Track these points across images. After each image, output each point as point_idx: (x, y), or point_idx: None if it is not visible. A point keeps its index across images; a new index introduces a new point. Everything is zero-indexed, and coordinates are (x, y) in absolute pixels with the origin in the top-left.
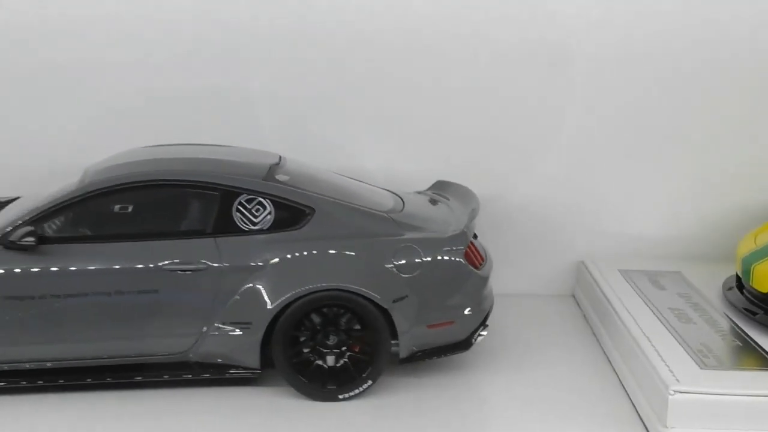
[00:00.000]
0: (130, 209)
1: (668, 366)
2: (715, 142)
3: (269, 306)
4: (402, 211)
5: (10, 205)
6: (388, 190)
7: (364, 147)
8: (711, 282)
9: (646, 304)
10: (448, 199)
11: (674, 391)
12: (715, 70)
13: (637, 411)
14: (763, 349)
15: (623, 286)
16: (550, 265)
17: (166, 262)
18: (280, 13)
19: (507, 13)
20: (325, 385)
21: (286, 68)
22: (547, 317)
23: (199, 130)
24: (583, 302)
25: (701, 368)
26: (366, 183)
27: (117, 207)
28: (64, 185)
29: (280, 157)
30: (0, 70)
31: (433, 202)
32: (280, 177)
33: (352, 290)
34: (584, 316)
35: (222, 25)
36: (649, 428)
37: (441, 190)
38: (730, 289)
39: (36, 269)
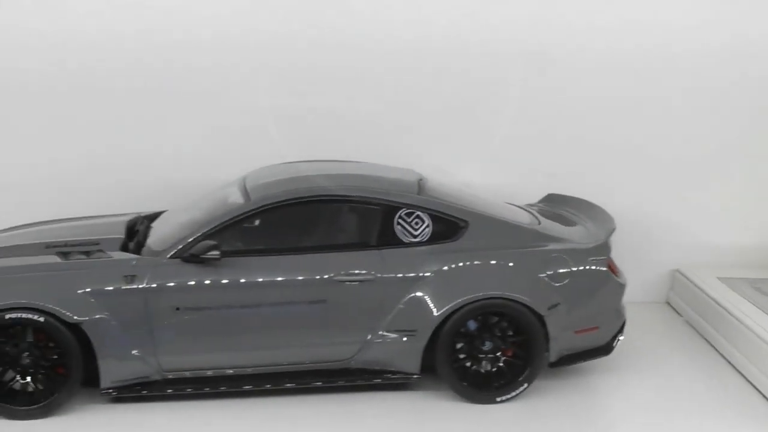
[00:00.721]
0: (298, 223)
1: None
2: None
3: (435, 313)
4: (540, 224)
5: (161, 220)
6: (514, 204)
7: (460, 164)
8: None
9: (757, 306)
10: (570, 210)
11: None
12: None
13: (760, 391)
14: None
15: (728, 291)
16: (642, 274)
17: (335, 273)
18: (383, 40)
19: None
20: (483, 388)
21: (389, 93)
22: (649, 323)
23: (310, 147)
24: (682, 308)
25: None
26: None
27: (286, 221)
28: (220, 199)
29: (420, 175)
30: (117, 93)
31: (556, 214)
32: (430, 192)
33: (514, 298)
34: (686, 321)
35: (328, 48)
36: None
37: (553, 202)
38: None
39: (213, 281)
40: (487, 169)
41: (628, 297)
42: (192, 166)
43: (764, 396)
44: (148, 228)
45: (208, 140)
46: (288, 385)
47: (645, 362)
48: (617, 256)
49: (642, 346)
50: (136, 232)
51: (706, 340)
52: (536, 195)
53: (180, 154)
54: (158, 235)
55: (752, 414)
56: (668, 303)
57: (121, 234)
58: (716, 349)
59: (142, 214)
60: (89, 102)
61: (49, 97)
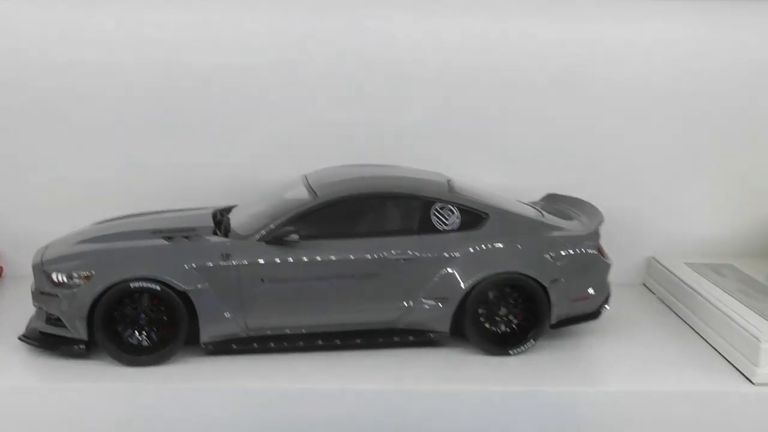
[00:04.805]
0: (355, 214)
1: (754, 326)
2: (758, 161)
3: (463, 285)
4: (544, 216)
5: (234, 212)
6: (522, 201)
7: (479, 170)
8: (759, 270)
9: (717, 286)
10: (566, 206)
11: (766, 341)
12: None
13: (727, 359)
14: None
15: (694, 274)
16: (623, 261)
17: (386, 253)
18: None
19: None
20: (499, 344)
21: (431, 107)
22: (628, 301)
23: (352, 157)
24: (656, 288)
25: None
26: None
27: (346, 212)
28: (288, 195)
29: (449, 177)
30: (179, 112)
31: (555, 209)
32: (458, 190)
33: (524, 273)
34: (659, 299)
35: (378, 65)
36: (742, 370)
37: (552, 200)
38: None
39: (291, 259)
40: (500, 171)
41: (611, 279)
42: (253, 168)
43: (719, 353)
44: (228, 219)
45: (266, 147)
46: (356, 341)
47: (625, 328)
48: (604, 243)
49: (622, 317)
50: (219, 221)
51: (675, 313)
52: (539, 194)
53: (243, 159)
54: (239, 223)
55: (709, 365)
56: (644, 285)
57: (210, 223)
58: (683, 320)
59: (218, 208)
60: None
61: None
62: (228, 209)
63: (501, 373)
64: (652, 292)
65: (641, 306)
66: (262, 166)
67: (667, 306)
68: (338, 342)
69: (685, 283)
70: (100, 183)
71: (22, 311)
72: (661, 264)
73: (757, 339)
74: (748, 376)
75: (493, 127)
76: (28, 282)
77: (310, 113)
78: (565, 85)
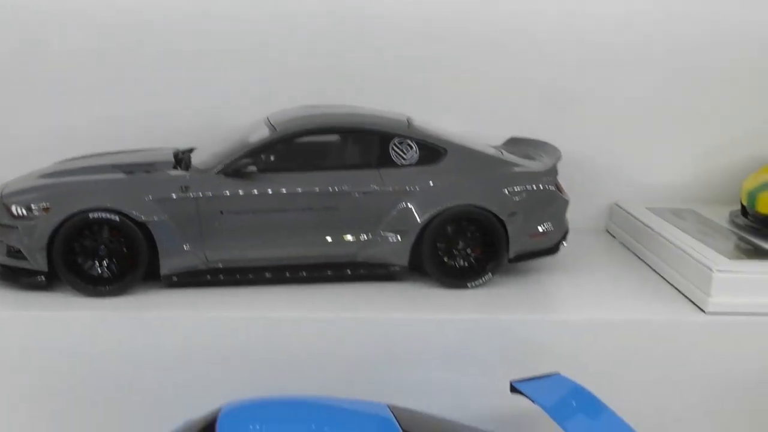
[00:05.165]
0: (314, 149)
1: (707, 258)
2: (719, 112)
3: (420, 218)
4: (503, 154)
5: (197, 152)
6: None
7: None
8: (720, 215)
9: (676, 227)
10: (527, 147)
11: (717, 270)
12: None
13: (681, 292)
14: None
15: (655, 217)
16: (586, 208)
17: (345, 186)
18: None
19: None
20: (458, 277)
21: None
22: (591, 244)
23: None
24: (618, 233)
25: (730, 259)
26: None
27: (305, 146)
28: (249, 132)
29: (409, 116)
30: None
31: (516, 148)
32: (417, 127)
33: (481, 206)
34: (621, 243)
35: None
36: (694, 300)
37: (513, 143)
38: (736, 216)
39: (249, 191)
40: (464, 119)
41: (575, 226)
42: (218, 115)
43: (674, 287)
44: (189, 157)
45: (232, 95)
46: (304, 274)
47: (583, 267)
48: (569, 190)
49: (582, 258)
50: (180, 160)
51: (635, 254)
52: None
53: (209, 105)
54: (200, 160)
55: (664, 297)
56: (607, 231)
57: (170, 159)
58: (641, 259)
59: (181, 149)
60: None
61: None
62: (190, 150)
63: (459, 304)
64: (614, 237)
65: (601, 248)
66: (228, 113)
67: (628, 248)
68: (299, 274)
69: (644, 224)
70: (67, 132)
71: None
72: (623, 209)
73: (710, 269)
74: (700, 306)
75: (460, 76)
76: None
77: (276, 61)
78: (533, 39)
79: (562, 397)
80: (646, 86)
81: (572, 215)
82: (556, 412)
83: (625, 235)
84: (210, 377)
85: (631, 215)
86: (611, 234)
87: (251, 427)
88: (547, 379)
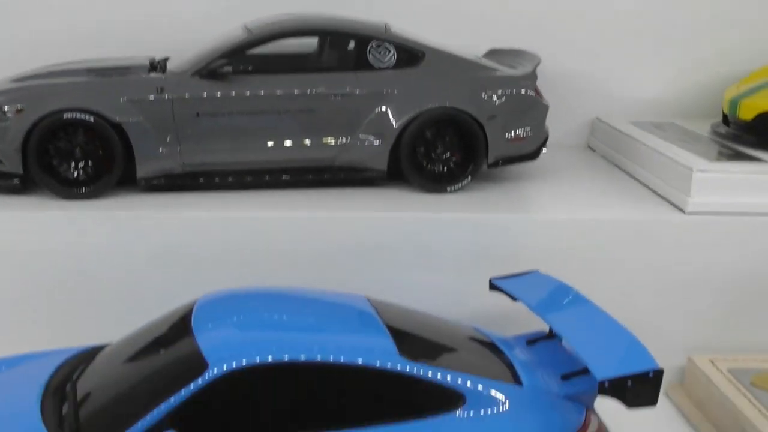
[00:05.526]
0: (293, 51)
1: (687, 160)
2: (703, 26)
3: (399, 121)
4: (482, 60)
5: (173, 58)
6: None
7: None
8: (701, 127)
9: (657, 136)
10: (506, 57)
11: (698, 170)
12: None
13: (662, 196)
14: (751, 155)
15: (636, 129)
16: (567, 123)
17: (322, 89)
18: None
19: None
20: (437, 181)
21: None
22: (572, 159)
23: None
24: (600, 147)
25: (711, 161)
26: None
27: (282, 49)
28: (226, 37)
29: (387, 23)
30: None
31: (496, 58)
32: (395, 32)
33: (458, 108)
34: (603, 156)
35: None
36: (674, 202)
37: (494, 54)
38: (718, 126)
39: (225, 93)
40: (445, 31)
41: (555, 142)
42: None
43: (652, 190)
44: (165, 62)
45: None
46: (285, 177)
47: (564, 176)
48: (551, 105)
49: (561, 169)
50: (155, 66)
51: (616, 165)
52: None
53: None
54: (176, 64)
55: (644, 200)
56: (588, 146)
57: (146, 64)
58: (622, 169)
59: (158, 58)
60: None
61: None
62: (166, 59)
63: (438, 206)
64: (595, 152)
65: (582, 161)
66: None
67: (609, 161)
68: (278, 178)
69: (625, 134)
70: (42, 42)
71: None
72: (604, 122)
73: (690, 169)
74: (680, 207)
75: None
76: None
77: None
78: None
79: (542, 292)
80: (628, 2)
81: (553, 131)
82: (537, 306)
83: (606, 149)
84: (186, 276)
85: (613, 128)
86: (592, 149)
87: (228, 313)
88: (527, 276)
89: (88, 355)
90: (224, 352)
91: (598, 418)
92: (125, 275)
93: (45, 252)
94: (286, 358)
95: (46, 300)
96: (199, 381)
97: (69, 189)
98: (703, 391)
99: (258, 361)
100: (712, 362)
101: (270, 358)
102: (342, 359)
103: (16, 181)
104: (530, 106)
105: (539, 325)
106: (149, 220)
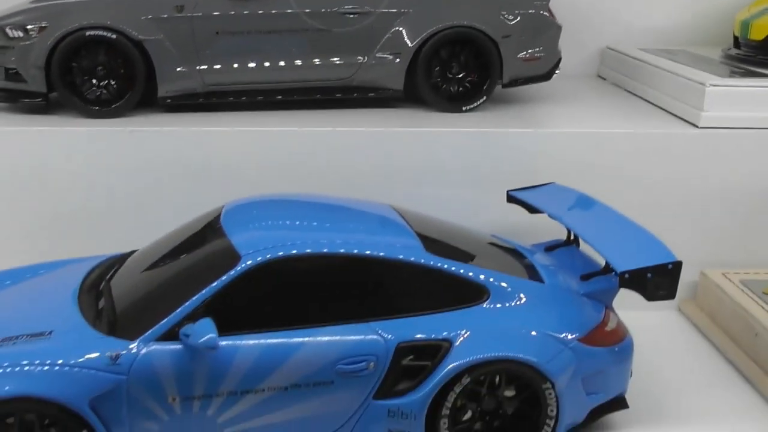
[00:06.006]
0: None
1: (700, 75)
2: None
3: (415, 39)
4: None
5: None
6: None
7: None
8: (712, 52)
9: (669, 59)
10: None
11: (711, 84)
12: None
13: (674, 114)
14: (763, 73)
15: (648, 55)
16: (578, 53)
17: (338, 7)
18: None
19: None
20: (452, 100)
21: None
22: (582, 86)
23: None
24: (611, 75)
25: (723, 77)
26: None
27: None
28: None
29: None
30: None
31: None
32: None
33: (474, 26)
34: (614, 84)
35: None
36: (687, 118)
37: None
38: (729, 50)
39: (245, 12)
40: None
41: (565, 71)
42: None
43: (665, 110)
44: None
45: None
46: (313, 96)
47: (579, 100)
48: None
49: (577, 94)
50: None
51: (628, 90)
52: None
53: None
54: None
55: (658, 117)
56: (598, 75)
57: None
58: (633, 94)
59: None
60: None
61: None
62: None
63: (455, 123)
64: (605, 80)
65: (593, 88)
66: None
67: (620, 87)
68: (294, 97)
69: (637, 59)
70: None
71: None
72: (615, 50)
73: (703, 84)
74: (693, 122)
75: None
76: None
77: None
78: None
79: (559, 200)
80: None
81: (562, 61)
82: (555, 212)
83: (617, 76)
84: (209, 189)
85: (624, 54)
86: (602, 78)
87: (256, 214)
88: (544, 187)
89: (118, 260)
90: (255, 245)
91: (617, 316)
92: (147, 190)
93: (70, 168)
94: (313, 250)
95: (72, 214)
96: (232, 272)
97: (91, 108)
98: (715, 303)
99: (286, 253)
100: (724, 275)
101: (298, 251)
102: (369, 253)
103: (40, 100)
104: (544, 27)
105: (555, 236)
106: (171, 135)
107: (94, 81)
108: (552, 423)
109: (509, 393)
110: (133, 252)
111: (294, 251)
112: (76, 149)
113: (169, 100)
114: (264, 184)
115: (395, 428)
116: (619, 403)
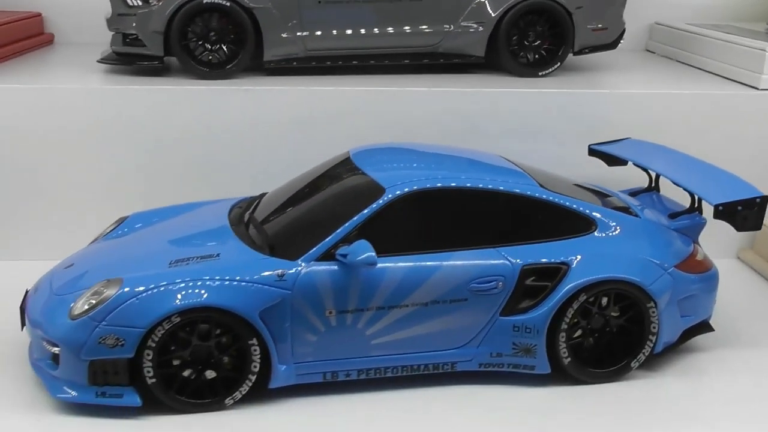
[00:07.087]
0: None
1: (759, 42)
2: None
3: (497, 11)
4: None
5: None
6: None
7: None
8: (756, 26)
9: (715, 29)
10: None
11: None
12: None
13: (733, 79)
14: None
15: (701, 28)
16: (627, 27)
17: None
18: None
19: None
20: (529, 66)
21: None
22: (635, 59)
23: None
24: (660, 48)
25: None
26: None
27: None
28: None
29: None
30: None
31: None
32: None
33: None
34: (664, 56)
35: None
36: (747, 82)
37: None
38: None
39: None
40: None
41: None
42: None
43: (722, 76)
44: None
45: None
46: (403, 61)
47: (637, 68)
48: None
49: (633, 64)
50: None
51: (678, 60)
52: None
53: None
54: None
55: (718, 82)
56: (647, 50)
57: None
58: (686, 64)
59: None
60: None
61: None
62: None
63: (531, 85)
64: (653, 53)
65: (645, 60)
66: None
67: (671, 59)
68: (386, 62)
69: (689, 32)
70: None
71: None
72: (665, 25)
73: (763, 50)
74: (753, 85)
75: None
76: (78, 48)
77: None
78: None
79: (640, 150)
80: None
81: None
82: (639, 160)
83: (668, 48)
84: (314, 141)
85: (674, 28)
86: (651, 51)
87: (385, 156)
88: (621, 141)
89: (252, 200)
90: (396, 180)
91: (703, 250)
92: (255, 143)
93: (190, 123)
94: (444, 185)
95: (197, 163)
96: (380, 201)
97: (205, 69)
98: None
99: (423, 186)
100: None
101: (431, 185)
102: (495, 187)
103: (158, 62)
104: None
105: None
106: (280, 94)
107: (207, 45)
108: (654, 339)
109: (615, 313)
110: (263, 194)
111: (428, 185)
112: (196, 107)
113: (272, 64)
114: (367, 138)
115: (519, 341)
116: (706, 326)
